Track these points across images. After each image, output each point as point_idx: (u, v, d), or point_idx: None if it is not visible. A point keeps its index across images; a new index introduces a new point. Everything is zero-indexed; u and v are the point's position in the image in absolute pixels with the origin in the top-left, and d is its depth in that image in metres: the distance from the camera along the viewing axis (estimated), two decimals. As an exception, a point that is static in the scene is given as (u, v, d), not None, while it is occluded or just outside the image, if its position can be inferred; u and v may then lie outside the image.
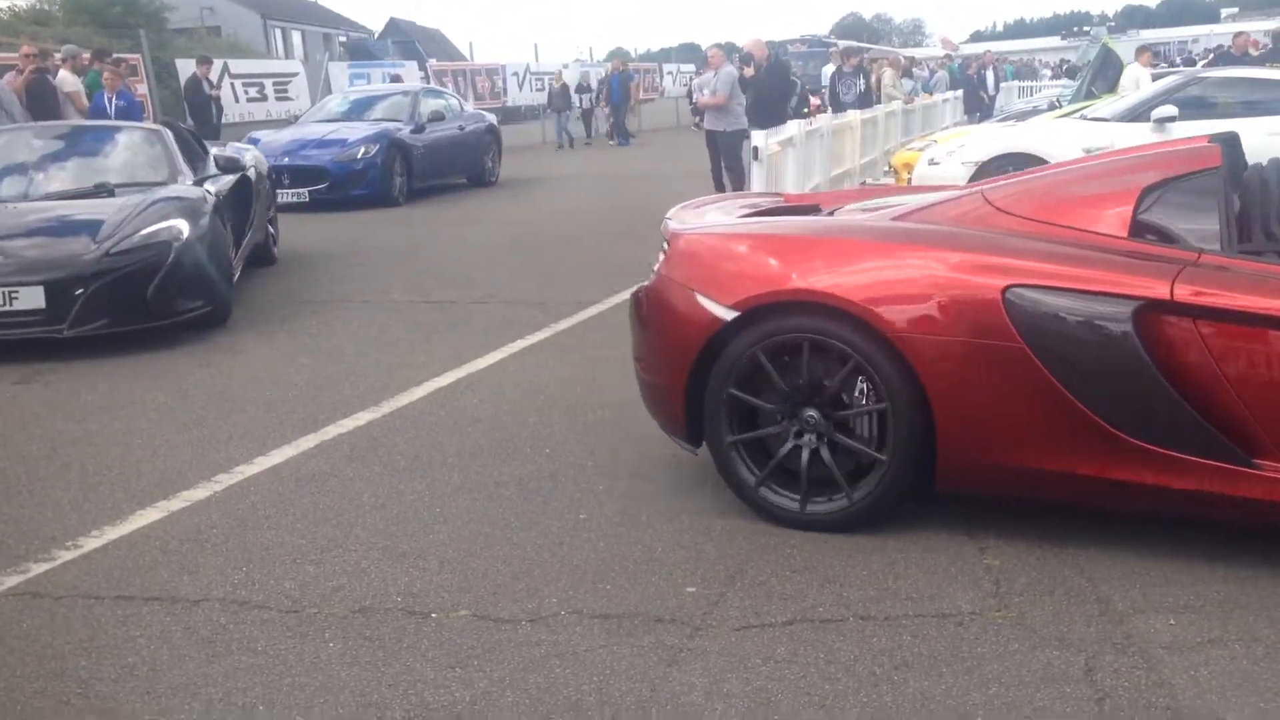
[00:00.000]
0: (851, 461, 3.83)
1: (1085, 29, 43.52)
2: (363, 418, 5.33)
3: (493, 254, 10.43)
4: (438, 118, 16.05)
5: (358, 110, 16.11)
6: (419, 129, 15.39)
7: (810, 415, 3.82)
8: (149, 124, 9.64)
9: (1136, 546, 3.63)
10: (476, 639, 3.19)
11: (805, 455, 3.84)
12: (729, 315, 3.85)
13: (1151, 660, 2.97)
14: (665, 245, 4.33)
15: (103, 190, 7.59)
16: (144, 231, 6.87)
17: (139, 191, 7.51)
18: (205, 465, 4.70)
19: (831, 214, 4.54)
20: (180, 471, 4.64)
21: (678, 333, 4.03)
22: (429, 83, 30.98)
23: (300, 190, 13.68)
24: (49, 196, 7.59)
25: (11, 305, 6.53)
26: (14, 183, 7.86)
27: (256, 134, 15.29)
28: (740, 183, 13.08)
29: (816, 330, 3.73)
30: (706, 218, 4.59)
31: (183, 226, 7.02)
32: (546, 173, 19.45)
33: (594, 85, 29.50)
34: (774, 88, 12.95)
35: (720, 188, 13.96)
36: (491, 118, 18.28)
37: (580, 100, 27.86)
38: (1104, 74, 15.05)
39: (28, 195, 7.63)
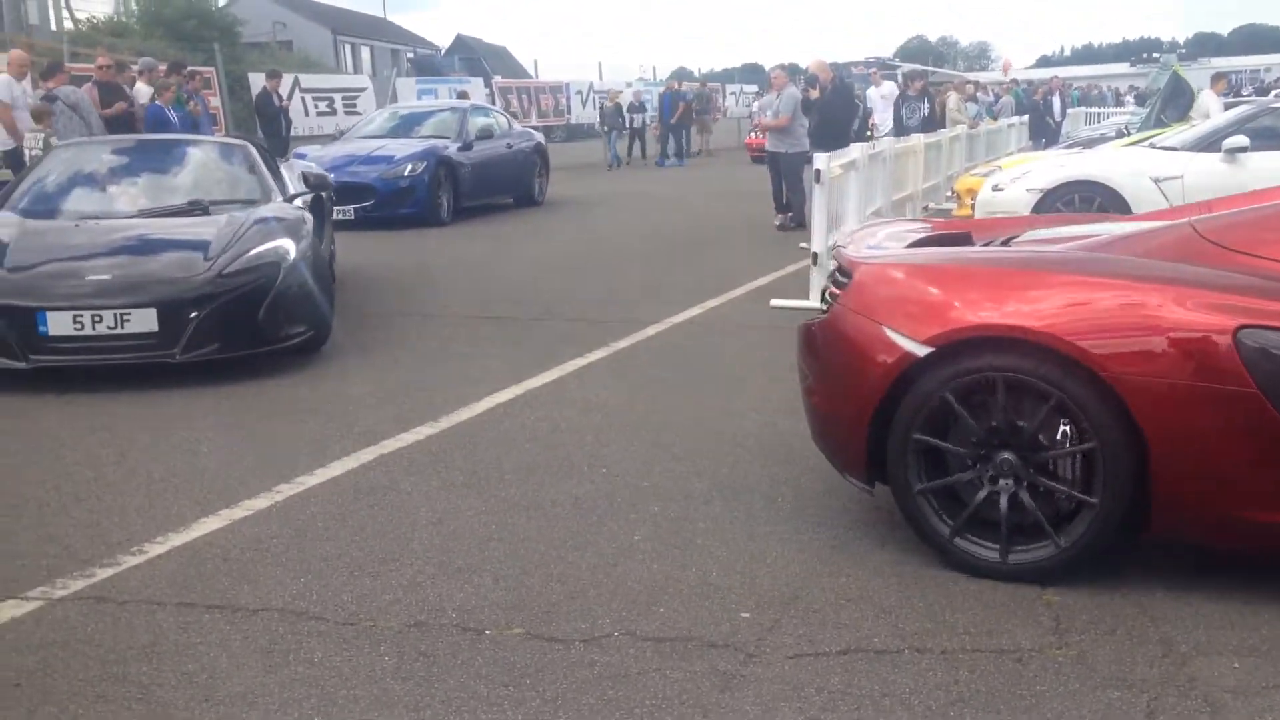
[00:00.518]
0: (1052, 507, 3.60)
1: (1155, 56, 42.96)
2: (422, 432, 5.38)
3: (549, 270, 10.49)
4: (486, 135, 15.74)
5: (405, 126, 15.82)
6: (466, 146, 15.11)
7: (1006, 458, 3.59)
8: (234, 139, 9.55)
9: (1202, 587, 3.56)
10: (529, 658, 3.20)
11: (1004, 501, 3.60)
12: (922, 351, 3.61)
13: (1215, 704, 2.91)
14: (840, 274, 4.10)
15: (197, 208, 7.31)
16: (253, 252, 6.59)
17: (235, 209, 7.27)
18: (267, 475, 4.77)
19: (1007, 243, 4.34)
20: (243, 480, 4.71)
21: (862, 368, 3.79)
22: (493, 99, 31.35)
23: (346, 208, 12.86)
24: (143, 213, 7.28)
25: (123, 327, 6.15)
26: (106, 197, 7.59)
27: (304, 149, 15.23)
28: (801, 205, 13.07)
29: (1017, 368, 3.50)
30: (882, 246, 4.37)
31: (289, 246, 6.77)
32: (596, 192, 19.34)
33: (647, 105, 29.25)
34: (839, 110, 12.93)
35: (782, 208, 13.98)
36: (539, 136, 18.00)
37: (631, 120, 27.42)
38: (1174, 102, 14.85)
39: (121, 211, 7.32)
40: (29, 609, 3.54)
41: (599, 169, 25.27)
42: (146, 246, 6.77)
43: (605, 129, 27.00)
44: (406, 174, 13.77)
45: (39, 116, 11.45)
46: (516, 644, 3.28)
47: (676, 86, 29.25)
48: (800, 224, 12.75)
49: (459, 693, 3.02)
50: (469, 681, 3.07)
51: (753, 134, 25.77)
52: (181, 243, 6.75)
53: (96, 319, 6.11)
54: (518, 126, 17.91)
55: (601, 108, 28.57)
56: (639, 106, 28.18)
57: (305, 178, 8.41)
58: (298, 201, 7.90)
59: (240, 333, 6.42)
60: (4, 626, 3.42)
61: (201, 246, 6.59)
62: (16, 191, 7.50)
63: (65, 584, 3.71)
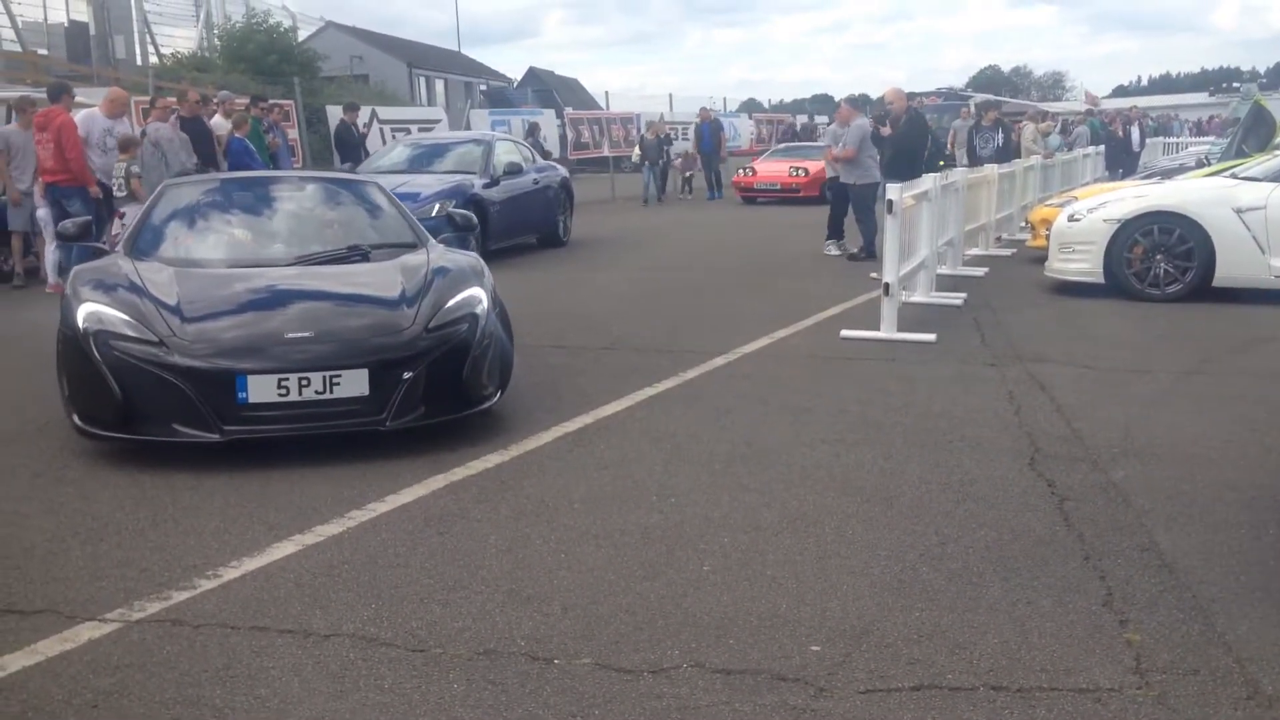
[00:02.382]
0: None
1: (1235, 85, 42.20)
2: (491, 460, 5.40)
3: (613, 301, 10.51)
4: (514, 171, 14.63)
5: (426, 160, 14.72)
6: (493, 183, 14.07)
7: None
8: (363, 176, 9.05)
9: (1289, 628, 3.46)
10: (598, 688, 3.19)
11: None
12: None
13: (1305, 750, 2.81)
14: None
15: (356, 253, 6.55)
16: (450, 304, 5.89)
17: (398, 254, 6.55)
18: (339, 501, 4.82)
19: None
20: (315, 506, 4.76)
21: None
22: (565, 130, 31.61)
23: None
24: (301, 260, 6.44)
25: (331, 392, 5.38)
26: (252, 243, 6.78)
27: None
28: (871, 236, 13.02)
29: None
30: None
31: (481, 296, 6.08)
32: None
33: (674, 138, 28.01)
34: (913, 141, 12.86)
35: (834, 235, 13.95)
36: (564, 170, 17.08)
37: (666, 153, 26.16)
38: (1256, 131, 14.57)
39: (277, 258, 6.49)
40: (107, 631, 3.60)
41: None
42: (333, 299, 5.94)
43: (645, 162, 25.67)
44: (434, 215, 11.73)
45: (125, 147, 11.80)
46: (585, 674, 3.27)
47: (709, 115, 28.21)
48: (870, 255, 12.70)
49: (527, 722, 3.01)
50: (537, 711, 3.07)
51: (742, 171, 25.19)
52: (370, 295, 5.98)
53: (304, 382, 5.32)
54: (541, 160, 17.11)
55: (641, 140, 27.14)
56: (668, 139, 26.99)
57: (452, 218, 7.81)
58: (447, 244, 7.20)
59: (445, 394, 5.67)
60: (83, 648, 3.49)
61: (395, 298, 5.88)
62: (137, 236, 6.64)
63: (142, 606, 3.78)
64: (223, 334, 5.52)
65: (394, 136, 24.49)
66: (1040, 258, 11.58)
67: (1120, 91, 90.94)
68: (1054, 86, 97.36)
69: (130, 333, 5.45)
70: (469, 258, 6.65)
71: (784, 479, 5.07)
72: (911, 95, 16.37)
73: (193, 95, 13.44)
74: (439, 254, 6.57)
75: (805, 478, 5.09)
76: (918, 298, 9.84)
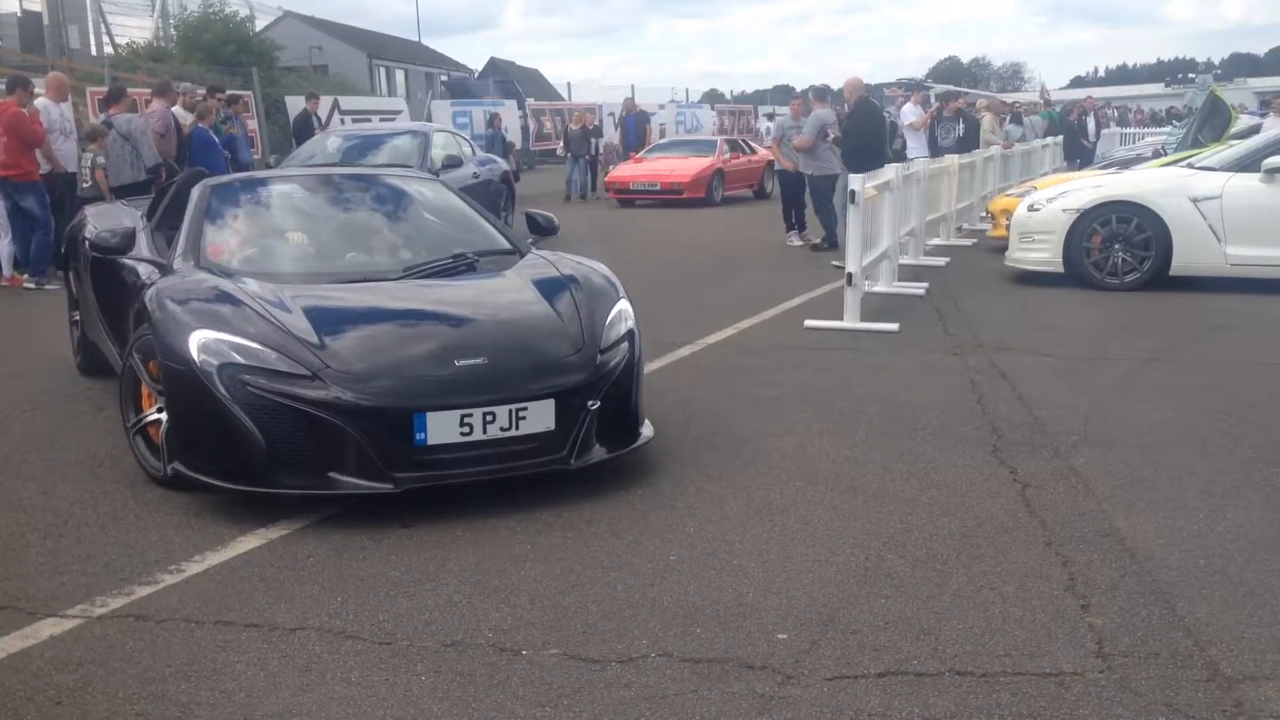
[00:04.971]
0: None
1: (1190, 76, 42.73)
2: (457, 452, 5.37)
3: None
4: (453, 164, 13.77)
5: (358, 153, 13.86)
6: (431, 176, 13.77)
7: None
8: (425, 174, 8.45)
9: (1247, 609, 3.51)
10: (566, 678, 3.19)
11: None
12: None
13: (1263, 730, 2.86)
14: None
15: (462, 262, 5.65)
16: (607, 320, 5.17)
17: (504, 262, 5.79)
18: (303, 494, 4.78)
19: None
20: (278, 500, 4.71)
21: None
22: (527, 121, 31.46)
23: None
24: (409, 271, 5.52)
25: (518, 428, 4.63)
26: (360, 254, 5.84)
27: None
28: (832, 226, 13.11)
29: None
30: None
31: (629, 309, 5.36)
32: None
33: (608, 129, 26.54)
34: (861, 130, 12.87)
35: (791, 227, 14.07)
36: (504, 163, 16.57)
37: (594, 145, 23.94)
38: (1211, 122, 14.74)
39: (385, 270, 5.56)
40: (69, 627, 3.56)
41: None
42: (487, 318, 5.09)
43: (570, 156, 23.40)
44: None
45: (92, 137, 11.65)
46: (553, 664, 3.27)
47: (634, 108, 26.83)
48: (833, 245, 12.76)
49: (496, 713, 3.01)
50: (506, 702, 3.06)
51: (612, 168, 23.02)
52: (527, 312, 5.16)
53: (489, 418, 4.55)
54: (482, 154, 16.47)
55: (566, 131, 25.01)
56: (597, 131, 25.11)
57: (533, 219, 6.59)
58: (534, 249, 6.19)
59: (615, 425, 5.01)
60: (44, 644, 3.44)
61: (554, 315, 5.10)
62: (198, 244, 5.65)
63: (104, 602, 3.73)
64: (387, 363, 4.61)
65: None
66: (1001, 247, 11.68)
67: (1078, 82, 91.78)
68: (1013, 78, 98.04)
69: (270, 366, 4.52)
70: (596, 265, 5.73)
71: (749, 468, 5.09)
72: (871, 87, 16.39)
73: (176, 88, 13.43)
74: (557, 261, 5.70)
75: (771, 467, 5.11)
76: (880, 287, 9.90)
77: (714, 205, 20.69)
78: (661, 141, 25.14)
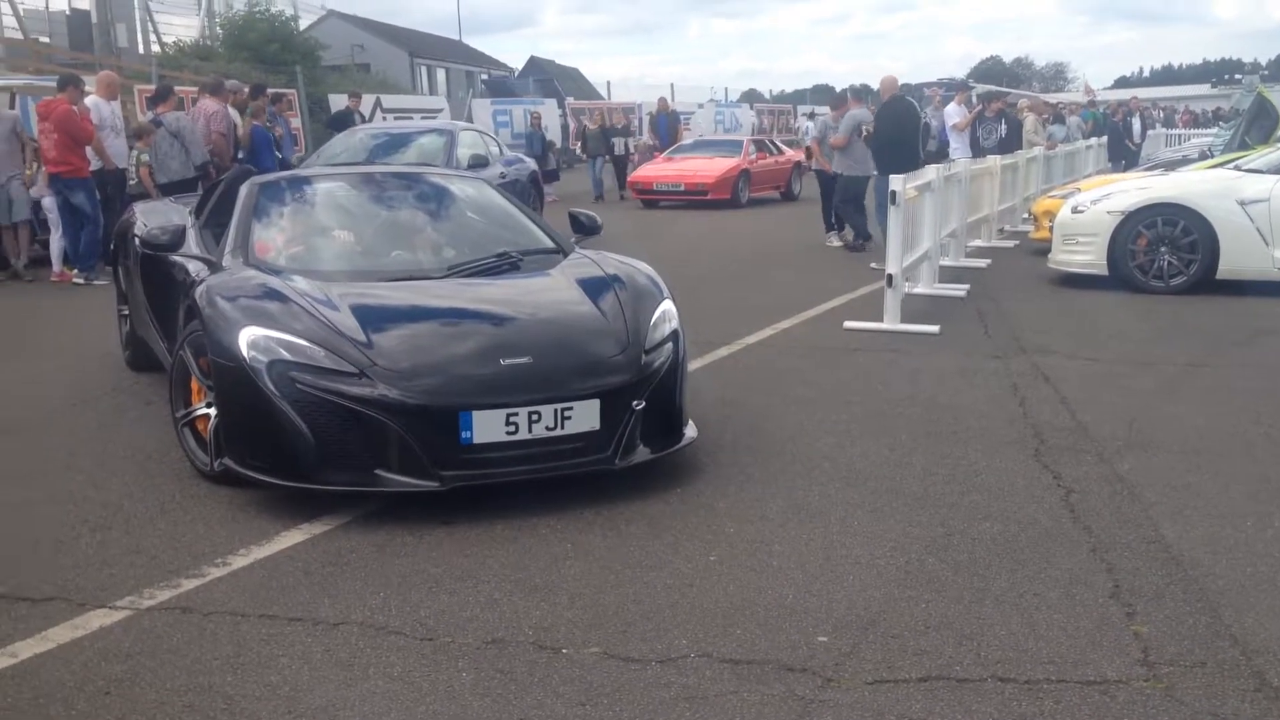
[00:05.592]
0: None
1: (1237, 77, 42.11)
2: (497, 450, 5.40)
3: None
4: (480, 163, 13.45)
5: (385, 151, 13.80)
6: None
7: None
8: (469, 174, 8.37)
9: (1295, 620, 3.47)
10: (606, 677, 3.20)
11: None
12: None
13: (1311, 742, 2.82)
14: None
15: (506, 261, 5.65)
16: (652, 320, 5.17)
17: (548, 261, 5.80)
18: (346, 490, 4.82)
19: None
20: (321, 495, 4.76)
21: None
22: (566, 119, 31.51)
23: None
24: (454, 270, 5.54)
25: (563, 427, 4.64)
26: (405, 253, 5.83)
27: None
28: (859, 225, 13.10)
29: None
30: None
31: (673, 309, 5.34)
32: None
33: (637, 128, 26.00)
34: (889, 126, 12.77)
35: (831, 227, 14.05)
36: (532, 163, 16.48)
37: (614, 145, 23.20)
38: (1258, 124, 14.55)
39: (430, 269, 5.59)
40: (118, 618, 3.61)
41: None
42: (533, 317, 5.10)
43: (588, 156, 23.09)
44: None
45: (139, 135, 11.80)
46: (593, 663, 3.29)
47: (667, 106, 26.47)
48: (866, 238, 12.79)
49: (536, 711, 3.02)
50: (546, 700, 3.08)
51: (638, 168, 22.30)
52: (572, 311, 5.17)
53: (534, 417, 4.57)
54: (509, 153, 16.34)
55: (584, 130, 24.83)
56: (619, 130, 24.39)
57: (576, 219, 6.57)
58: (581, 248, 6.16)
59: (660, 426, 5.00)
60: (94, 635, 3.50)
61: (599, 314, 5.12)
62: (247, 241, 5.69)
63: (152, 594, 3.79)
64: (433, 362, 4.65)
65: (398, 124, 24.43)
66: (1043, 249, 11.58)
67: (1122, 82, 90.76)
68: (1056, 78, 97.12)
69: (318, 363, 4.56)
70: (640, 265, 5.72)
71: (789, 469, 5.09)
72: (910, 86, 16.32)
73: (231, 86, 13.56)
74: (601, 260, 5.71)
75: (811, 468, 5.10)
76: (921, 289, 9.85)
77: (739, 207, 20.30)
78: (687, 142, 24.38)
